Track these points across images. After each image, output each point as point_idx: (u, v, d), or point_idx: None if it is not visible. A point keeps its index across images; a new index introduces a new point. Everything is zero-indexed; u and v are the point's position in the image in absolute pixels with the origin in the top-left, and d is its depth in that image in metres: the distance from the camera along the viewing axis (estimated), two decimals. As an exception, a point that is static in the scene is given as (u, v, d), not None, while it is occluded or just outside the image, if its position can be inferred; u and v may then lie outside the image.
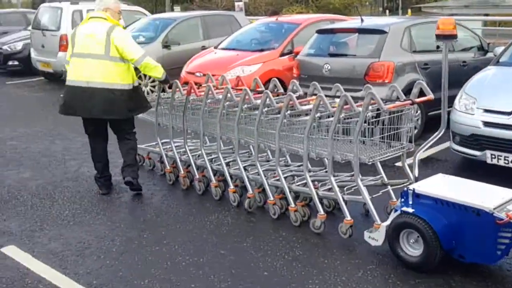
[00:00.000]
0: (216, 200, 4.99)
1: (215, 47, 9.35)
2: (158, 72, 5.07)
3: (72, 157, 6.52)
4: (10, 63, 13.41)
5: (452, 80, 6.71)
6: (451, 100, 5.89)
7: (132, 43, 4.96)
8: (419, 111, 6.72)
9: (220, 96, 4.82)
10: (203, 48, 10.25)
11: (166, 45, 10.26)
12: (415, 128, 6.71)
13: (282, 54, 8.33)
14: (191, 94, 5.11)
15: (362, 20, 7.06)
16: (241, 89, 4.80)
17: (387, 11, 47.97)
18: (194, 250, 4.04)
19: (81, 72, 4.89)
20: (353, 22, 7.75)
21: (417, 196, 3.60)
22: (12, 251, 4.08)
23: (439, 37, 3.94)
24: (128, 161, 5.15)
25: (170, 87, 5.37)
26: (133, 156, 5.18)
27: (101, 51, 4.82)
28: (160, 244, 4.16)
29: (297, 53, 7.67)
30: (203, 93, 4.99)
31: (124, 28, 5.12)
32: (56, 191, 5.37)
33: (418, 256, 3.56)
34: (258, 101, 4.47)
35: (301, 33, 8.52)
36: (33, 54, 12.19)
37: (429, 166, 5.90)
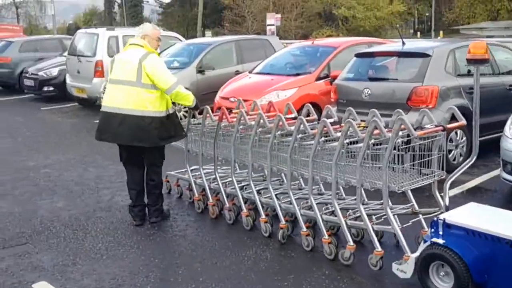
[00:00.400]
0: (254, 233, 4.77)
1: (250, 72, 9.23)
2: (189, 100, 5.04)
3: (105, 185, 6.41)
4: (46, 88, 13.58)
5: (498, 104, 6.49)
6: (500, 125, 5.61)
7: (164, 71, 4.88)
8: (464, 138, 6.42)
9: (253, 122, 4.68)
10: (237, 72, 10.15)
11: (200, 70, 10.19)
12: (461, 155, 6.40)
13: (318, 78, 8.15)
14: (223, 120, 4.99)
15: (403, 43, 6.82)
16: (274, 115, 4.67)
17: (418, 33, 47.61)
18: (232, 289, 3.82)
19: (114, 98, 4.88)
20: (393, 45, 7.53)
21: (448, 226, 3.43)
22: (44, 288, 3.94)
23: (470, 61, 3.81)
24: (150, 201, 5.14)
25: (200, 113, 5.29)
26: (155, 196, 5.12)
27: (133, 78, 4.78)
28: (196, 281, 3.95)
29: (334, 77, 7.47)
30: (235, 119, 4.86)
31: (159, 55, 5.04)
32: (89, 222, 5.24)
33: None
34: (292, 128, 4.32)
35: (338, 56, 8.34)
36: (68, 80, 12.31)
37: (476, 196, 5.56)
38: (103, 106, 4.99)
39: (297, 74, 8.36)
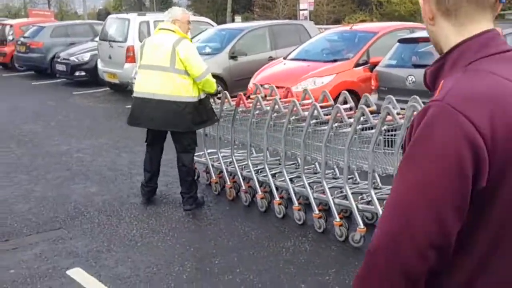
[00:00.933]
0: (292, 224, 4.61)
1: (284, 58, 8.99)
2: (214, 88, 4.99)
3: (138, 171, 6.30)
4: (77, 73, 13.56)
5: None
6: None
7: (197, 58, 4.82)
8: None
9: (268, 108, 4.74)
10: (271, 58, 9.94)
11: (233, 56, 10.00)
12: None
13: (357, 65, 7.87)
14: (240, 105, 5.01)
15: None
16: (289, 101, 4.73)
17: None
18: (271, 282, 3.67)
19: (147, 84, 4.83)
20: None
21: None
22: (78, 275, 3.86)
23: None
24: (183, 189, 5.05)
25: (219, 98, 5.33)
26: (189, 184, 5.03)
27: (166, 64, 4.71)
28: (233, 272, 3.82)
29: (373, 64, 7.21)
30: (251, 104, 4.91)
31: (191, 40, 4.98)
32: (123, 208, 5.15)
33: None
34: (306, 113, 4.35)
35: (378, 42, 8.03)
36: (100, 65, 12.26)
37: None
38: (135, 92, 4.95)
39: (335, 60, 8.09)
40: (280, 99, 4.88)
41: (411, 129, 1.17)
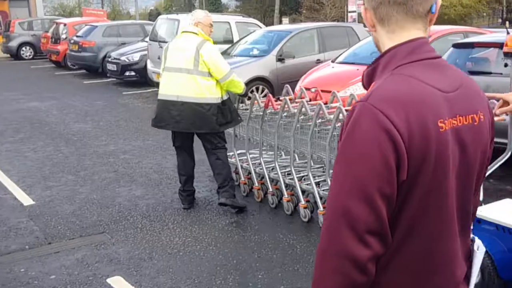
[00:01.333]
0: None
1: (333, 61, 8.77)
2: (240, 88, 4.99)
3: (183, 175, 6.26)
4: (127, 73, 13.72)
5: None
6: None
7: (220, 60, 4.86)
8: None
9: (296, 110, 4.70)
10: (318, 61, 9.73)
11: (280, 59, 9.84)
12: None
13: (408, 70, 7.56)
14: (268, 106, 5.01)
15: (508, 33, 6.12)
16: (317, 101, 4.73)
17: (507, 22, 44.74)
18: (316, 300, 3.50)
19: (171, 86, 4.88)
20: (496, 35, 6.82)
21: (478, 221, 3.30)
22: (119, 283, 3.80)
23: (507, 55, 3.75)
24: (219, 182, 5.03)
25: (249, 99, 5.35)
26: (224, 177, 5.01)
27: (190, 66, 4.77)
28: (277, 288, 3.67)
29: (426, 69, 6.90)
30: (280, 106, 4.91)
31: (214, 42, 5.04)
32: (166, 214, 5.10)
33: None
34: (331, 116, 4.28)
35: (431, 46, 7.70)
36: (149, 66, 12.35)
37: None
38: (160, 94, 5.00)
39: (385, 65, 7.82)
40: (308, 101, 4.87)
41: (342, 128, 1.27)
